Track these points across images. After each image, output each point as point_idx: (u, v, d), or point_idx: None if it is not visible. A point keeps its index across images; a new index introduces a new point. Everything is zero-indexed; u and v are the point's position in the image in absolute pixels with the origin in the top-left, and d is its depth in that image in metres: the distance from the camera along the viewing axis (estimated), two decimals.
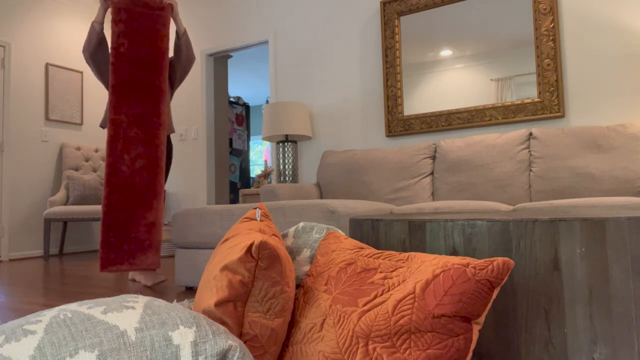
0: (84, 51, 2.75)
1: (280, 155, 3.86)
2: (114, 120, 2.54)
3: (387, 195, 3.26)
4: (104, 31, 2.95)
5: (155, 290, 2.59)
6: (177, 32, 2.85)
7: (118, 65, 2.57)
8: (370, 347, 0.82)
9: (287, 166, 3.84)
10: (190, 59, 2.90)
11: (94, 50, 2.72)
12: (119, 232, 2.48)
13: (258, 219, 1.21)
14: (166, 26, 2.72)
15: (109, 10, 2.78)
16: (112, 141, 2.52)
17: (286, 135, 3.86)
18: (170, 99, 2.97)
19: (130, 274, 2.96)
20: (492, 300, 0.80)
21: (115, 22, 2.59)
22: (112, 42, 2.58)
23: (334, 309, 0.92)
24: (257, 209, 1.26)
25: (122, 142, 2.53)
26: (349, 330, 0.86)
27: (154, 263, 2.57)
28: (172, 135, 4.94)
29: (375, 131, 3.82)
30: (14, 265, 4.01)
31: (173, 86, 2.95)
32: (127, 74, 2.58)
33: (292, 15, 4.27)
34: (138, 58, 2.61)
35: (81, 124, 5.21)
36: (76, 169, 4.96)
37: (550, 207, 2.12)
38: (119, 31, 2.58)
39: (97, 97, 5.42)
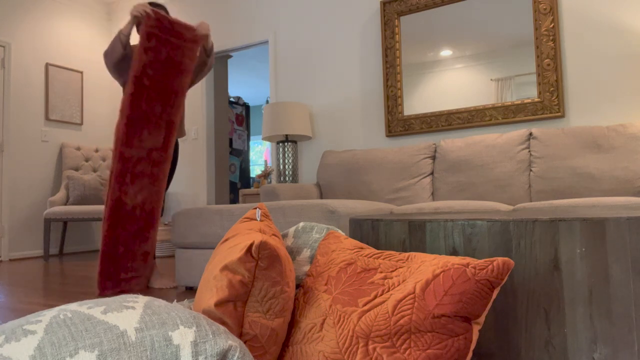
0: (106, 57, 2.59)
1: (280, 155, 3.86)
2: (123, 155, 2.39)
3: (387, 195, 3.26)
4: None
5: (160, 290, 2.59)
6: (204, 48, 2.74)
7: (137, 96, 2.39)
8: (370, 347, 0.82)
9: (287, 166, 3.84)
10: (210, 67, 2.86)
11: (117, 62, 2.58)
12: (118, 263, 2.46)
13: (258, 219, 1.21)
14: (193, 61, 2.57)
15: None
16: (119, 176, 2.40)
17: (286, 135, 3.86)
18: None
19: None
20: (492, 300, 0.80)
21: (144, 49, 2.38)
22: (136, 70, 2.38)
23: (334, 309, 0.92)
24: (257, 209, 1.26)
25: (129, 177, 2.43)
26: (349, 330, 0.86)
27: (144, 288, 2.62)
28: None
29: (375, 131, 3.82)
30: (14, 265, 4.01)
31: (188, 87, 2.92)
32: (146, 107, 2.43)
33: (292, 15, 4.27)
34: (159, 93, 2.46)
35: (81, 124, 5.21)
36: (76, 169, 4.96)
37: (550, 207, 2.12)
38: (146, 60, 2.39)
39: (97, 97, 5.42)
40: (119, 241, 2.44)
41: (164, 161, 2.56)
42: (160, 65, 2.44)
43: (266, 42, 4.45)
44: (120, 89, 5.48)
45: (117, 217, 2.42)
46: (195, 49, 2.57)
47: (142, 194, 2.48)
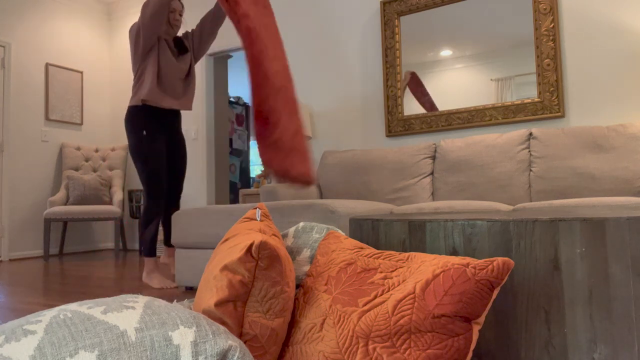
0: (146, 6, 2.48)
1: None
2: (246, 19, 2.01)
3: (387, 195, 3.25)
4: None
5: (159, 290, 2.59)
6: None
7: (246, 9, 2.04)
8: (370, 347, 0.82)
9: None
10: (215, 37, 2.93)
11: (161, 9, 2.44)
12: (269, 133, 2.03)
13: (258, 219, 1.21)
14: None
15: None
16: (248, 31, 2.00)
17: None
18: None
19: (144, 278, 2.81)
20: (492, 300, 0.80)
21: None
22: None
23: (334, 309, 0.92)
24: (257, 209, 1.26)
25: (254, 33, 2.02)
26: (349, 330, 0.86)
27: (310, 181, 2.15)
28: None
29: (375, 131, 3.82)
30: (14, 265, 4.01)
31: (197, 59, 2.95)
32: (258, 20, 2.09)
33: (292, 15, 4.27)
34: (262, 23, 2.10)
35: (81, 124, 5.21)
36: (76, 169, 4.96)
37: (550, 207, 2.12)
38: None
39: (97, 97, 5.42)
40: (264, 107, 2.02)
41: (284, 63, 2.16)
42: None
43: None
44: (120, 89, 5.47)
45: (258, 74, 1.99)
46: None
47: (277, 49, 2.12)
